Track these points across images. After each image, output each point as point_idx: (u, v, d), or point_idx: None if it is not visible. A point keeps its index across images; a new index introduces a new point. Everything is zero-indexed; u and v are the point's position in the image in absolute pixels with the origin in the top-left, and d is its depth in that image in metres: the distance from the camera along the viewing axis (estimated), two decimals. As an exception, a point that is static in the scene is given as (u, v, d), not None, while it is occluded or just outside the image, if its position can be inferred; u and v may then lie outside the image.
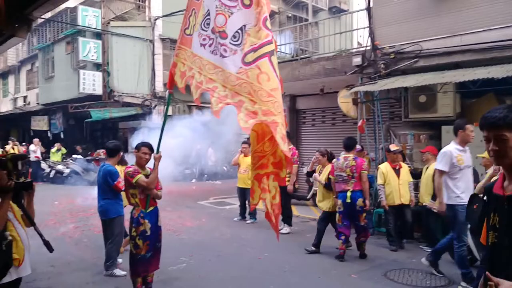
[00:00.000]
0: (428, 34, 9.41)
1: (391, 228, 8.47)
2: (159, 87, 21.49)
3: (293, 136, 13.51)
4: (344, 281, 6.64)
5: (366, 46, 10.69)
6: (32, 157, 19.68)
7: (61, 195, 12.70)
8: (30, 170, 18.28)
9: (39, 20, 21.94)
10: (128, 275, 5.82)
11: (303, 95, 14.15)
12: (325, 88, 12.59)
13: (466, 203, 5.51)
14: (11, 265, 3.55)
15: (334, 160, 8.16)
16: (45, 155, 21.33)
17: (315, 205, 12.65)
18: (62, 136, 24.25)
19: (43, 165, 20.02)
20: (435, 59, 9.31)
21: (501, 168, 5.35)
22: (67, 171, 18.82)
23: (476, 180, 7.07)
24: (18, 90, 30.88)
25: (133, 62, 21.08)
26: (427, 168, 8.39)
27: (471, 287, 5.73)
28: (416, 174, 8.88)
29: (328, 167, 8.22)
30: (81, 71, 20.51)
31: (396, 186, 8.34)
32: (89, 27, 20.74)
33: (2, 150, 18.16)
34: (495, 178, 5.46)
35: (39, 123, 26.62)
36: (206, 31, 4.53)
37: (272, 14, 20.28)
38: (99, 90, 20.78)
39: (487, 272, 2.18)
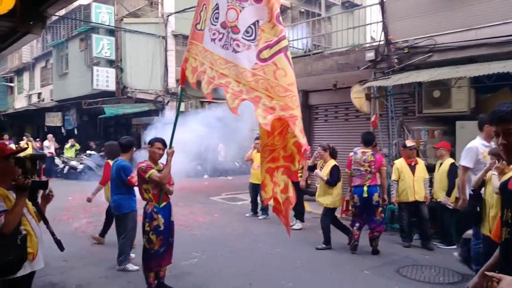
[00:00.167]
0: (442, 28, 9.30)
1: (405, 225, 8.41)
2: (172, 83, 21.54)
3: (306, 132, 13.43)
4: (357, 277, 6.61)
5: (380, 41, 10.59)
6: (46, 153, 19.85)
7: (74, 191, 12.75)
8: (44, 166, 18.44)
9: (53, 18, 22.09)
10: (141, 270, 5.85)
11: (315, 90, 14.09)
12: (338, 83, 12.52)
13: None
14: (26, 259, 3.59)
15: (352, 154, 8.10)
16: (59, 151, 21.52)
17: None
18: (76, 132, 24.43)
19: (57, 160, 20.19)
20: (450, 54, 9.19)
21: (496, 162, 5.35)
22: (80, 166, 18.96)
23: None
24: (32, 86, 31.13)
25: (146, 58, 21.15)
26: (441, 164, 8.31)
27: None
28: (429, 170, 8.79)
29: (330, 163, 8.16)
30: (95, 68, 20.61)
31: (410, 182, 8.16)
32: (102, 24, 20.82)
33: (16, 145, 18.34)
34: (491, 172, 5.46)
35: (53, 119, 26.84)
36: (215, 25, 4.52)
37: (285, 9, 20.24)
38: (112, 87, 20.87)
39: (485, 272, 2.20)
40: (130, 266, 6.72)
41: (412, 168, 8.23)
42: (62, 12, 21.76)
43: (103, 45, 20.70)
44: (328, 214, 8.24)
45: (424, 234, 8.22)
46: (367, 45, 11.68)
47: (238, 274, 6.68)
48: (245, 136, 12.12)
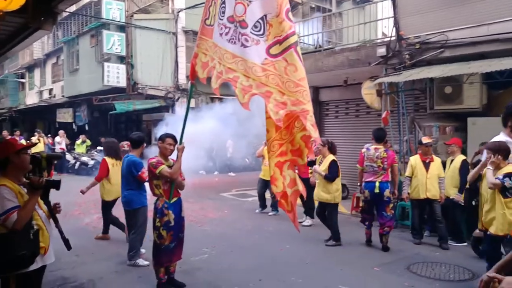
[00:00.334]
0: (454, 23, 9.22)
1: (415, 222, 8.37)
2: (182, 79, 21.55)
3: (317, 128, 13.41)
4: (367, 273, 6.60)
5: (391, 37, 10.53)
6: (57, 149, 19.99)
7: (85, 186, 12.74)
8: (55, 161, 18.53)
9: (64, 14, 22.20)
10: (151, 265, 5.87)
11: (326, 86, 14.04)
12: (348, 80, 12.48)
13: None
14: (38, 253, 3.62)
15: (364, 150, 8.09)
16: (70, 147, 21.66)
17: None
18: (86, 128, 24.54)
19: (68, 156, 20.30)
20: (461, 49, 9.12)
21: (492, 156, 5.35)
22: (91, 162, 19.06)
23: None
24: (43, 83, 31.29)
25: (156, 54, 21.17)
26: (452, 160, 8.25)
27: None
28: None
29: (329, 158, 8.12)
30: (105, 64, 20.65)
31: (423, 179, 8.06)
32: (113, 20, 20.85)
33: (27, 141, 18.48)
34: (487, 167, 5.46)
35: (64, 116, 26.98)
36: (222, 19, 4.52)
37: (295, 5, 20.16)
38: (123, 83, 20.90)
39: (487, 274, 2.27)
40: (141, 261, 6.75)
41: (427, 165, 8.11)
42: (72, 8, 21.83)
43: (113, 41, 20.74)
44: (334, 211, 8.23)
45: (439, 233, 8.14)
46: (378, 40, 11.64)
47: (248, 269, 6.70)
48: (255, 132, 12.12)
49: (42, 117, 32.36)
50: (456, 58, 9.18)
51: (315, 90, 14.29)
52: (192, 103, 16.45)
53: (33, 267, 3.60)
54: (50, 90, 29.79)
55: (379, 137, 8.04)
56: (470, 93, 9.28)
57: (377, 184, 7.73)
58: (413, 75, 9.03)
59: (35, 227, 3.61)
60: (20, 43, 7.30)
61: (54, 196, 3.84)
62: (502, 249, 6.58)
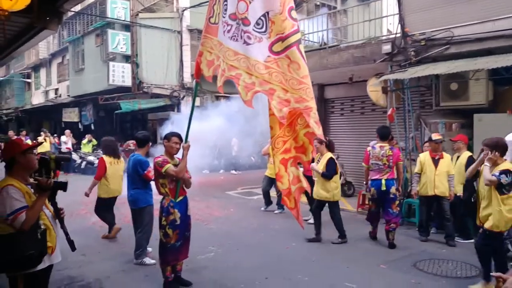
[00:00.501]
0: (459, 20, 9.18)
1: (423, 219, 8.35)
2: (187, 78, 21.56)
3: (322, 125, 13.38)
4: (373, 271, 6.59)
5: (396, 33, 10.49)
6: (64, 149, 20.05)
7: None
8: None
9: (69, 13, 22.25)
10: (158, 264, 5.89)
11: (331, 84, 14.02)
12: (354, 77, 12.45)
13: None
14: (46, 253, 3.65)
15: (369, 148, 8.14)
16: (76, 146, 21.73)
17: (343, 195, 12.61)
18: (92, 127, 24.62)
19: (74, 156, 20.33)
20: (467, 46, 9.08)
21: (489, 153, 5.36)
22: (97, 162, 19.08)
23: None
24: (49, 82, 31.40)
25: (161, 53, 21.19)
26: (458, 157, 8.22)
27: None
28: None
29: (327, 155, 8.10)
30: (111, 63, 20.70)
31: (431, 176, 8.00)
32: (118, 19, 20.89)
33: (33, 141, 18.55)
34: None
35: (70, 115, 27.09)
36: (224, 17, 4.55)
37: (300, 2, 20.10)
38: (128, 82, 20.94)
39: (491, 273, 2.31)
40: (147, 260, 6.77)
41: (436, 162, 8.05)
42: (78, 7, 21.90)
43: (118, 41, 20.77)
44: (336, 209, 8.22)
45: (446, 231, 8.10)
46: (384, 37, 11.57)
47: (254, 268, 6.70)
48: (261, 130, 12.12)
49: (48, 117, 32.50)
50: (462, 54, 9.14)
51: (320, 88, 14.28)
52: (197, 101, 16.44)
53: (41, 266, 3.62)
54: (56, 90, 29.90)
55: (384, 135, 8.07)
56: (476, 89, 9.24)
57: (383, 181, 7.78)
58: (418, 72, 9.00)
59: (42, 226, 3.64)
60: (25, 43, 7.33)
61: (61, 195, 3.86)
62: (510, 246, 6.60)
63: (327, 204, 8.23)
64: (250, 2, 4.28)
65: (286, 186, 4.49)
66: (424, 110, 10.74)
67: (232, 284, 6.01)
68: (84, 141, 21.29)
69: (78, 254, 6.82)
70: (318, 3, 22.51)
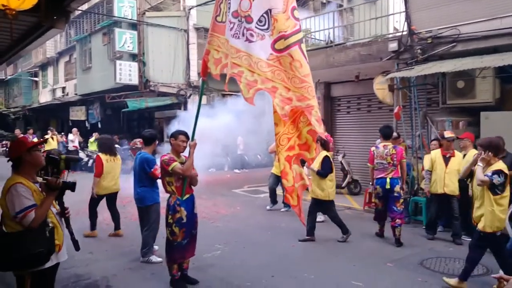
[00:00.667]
0: (466, 17, 9.13)
1: (431, 217, 8.33)
2: (194, 76, 21.59)
3: (328, 124, 13.40)
4: (380, 269, 6.58)
5: (403, 31, 10.46)
6: (71, 147, 20.13)
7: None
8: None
9: (76, 12, 22.32)
10: (164, 262, 5.91)
11: (338, 82, 14.00)
12: (360, 75, 12.42)
13: None
14: (54, 251, 3.67)
15: (373, 148, 8.22)
16: (83, 145, 21.81)
17: (350, 193, 12.63)
18: (99, 125, 24.72)
19: (81, 154, 20.38)
20: (474, 44, 9.04)
21: (483, 153, 5.37)
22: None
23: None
24: (56, 81, 31.55)
25: (168, 52, 21.24)
26: (465, 155, 8.19)
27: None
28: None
29: (322, 154, 8.08)
30: (118, 62, 20.76)
31: (441, 174, 7.99)
32: (125, 18, 20.94)
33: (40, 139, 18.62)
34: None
35: (77, 113, 27.20)
36: (228, 15, 4.57)
37: (306, 0, 20.07)
38: (135, 80, 21.01)
39: (492, 275, 2.33)
40: (154, 258, 6.79)
41: (446, 160, 8.03)
42: (85, 6, 21.93)
43: (125, 39, 20.83)
44: (331, 207, 8.20)
45: (454, 229, 8.08)
46: (390, 35, 11.56)
47: (260, 266, 6.71)
48: (267, 128, 12.12)
49: (55, 115, 32.66)
50: (469, 52, 9.09)
51: (327, 86, 14.26)
52: (204, 99, 16.46)
53: (48, 264, 3.65)
54: (63, 88, 30.03)
55: (386, 134, 8.17)
56: (483, 87, 9.21)
57: (388, 180, 7.86)
58: (425, 70, 8.97)
59: (50, 224, 3.66)
60: (33, 42, 7.35)
61: (68, 193, 3.89)
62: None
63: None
64: (253, 0, 4.31)
65: (291, 183, 4.50)
66: (431, 108, 10.71)
67: (239, 282, 6.03)
68: (91, 139, 21.35)
69: (85, 252, 6.88)
70: (324, 1, 22.45)
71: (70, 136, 21.11)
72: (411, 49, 10.09)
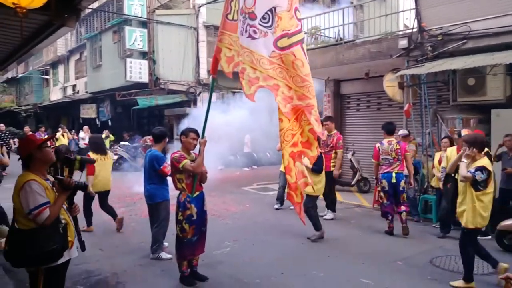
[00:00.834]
0: (476, 14, 9.07)
1: (443, 214, 8.29)
2: (204, 74, 21.64)
3: (338, 121, 13.36)
4: (389, 267, 6.57)
5: (413, 28, 10.41)
6: (82, 144, 20.25)
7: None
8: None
9: (87, 10, 22.42)
10: (174, 259, 5.95)
11: (347, 79, 13.97)
12: (370, 72, 12.39)
13: None
14: (67, 247, 3.70)
15: (378, 145, 8.38)
16: (94, 142, 21.86)
17: (359, 191, 12.60)
18: (110, 123, 24.84)
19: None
20: (485, 40, 8.97)
21: (467, 149, 5.35)
22: (115, 157, 19.17)
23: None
24: (67, 79, 31.72)
25: (178, 49, 21.31)
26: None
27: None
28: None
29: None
30: (128, 60, 20.86)
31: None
32: (135, 16, 21.04)
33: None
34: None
35: (88, 111, 27.35)
36: (238, 13, 4.61)
37: (316, -2, 20.01)
38: (145, 78, 21.11)
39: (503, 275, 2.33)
40: (164, 255, 6.83)
41: None
42: (95, 4, 22.07)
43: (135, 37, 20.93)
44: (312, 202, 8.08)
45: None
46: (400, 32, 11.48)
47: (269, 263, 6.72)
48: (275, 126, 12.12)
49: (66, 113, 32.85)
50: (480, 49, 9.03)
51: (336, 83, 14.24)
52: (214, 97, 16.50)
53: (61, 260, 3.68)
54: (74, 86, 30.20)
55: (389, 130, 8.45)
56: (494, 84, 9.15)
57: (393, 174, 8.15)
58: (435, 67, 8.93)
59: (63, 221, 3.69)
60: (44, 40, 7.38)
61: (78, 192, 3.94)
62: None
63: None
64: None
65: (294, 180, 4.53)
66: (441, 106, 10.66)
67: (248, 279, 6.04)
68: (102, 136, 21.44)
69: (96, 249, 6.94)
70: (334, -2, 22.37)
71: (81, 134, 21.23)
72: (421, 46, 10.03)
